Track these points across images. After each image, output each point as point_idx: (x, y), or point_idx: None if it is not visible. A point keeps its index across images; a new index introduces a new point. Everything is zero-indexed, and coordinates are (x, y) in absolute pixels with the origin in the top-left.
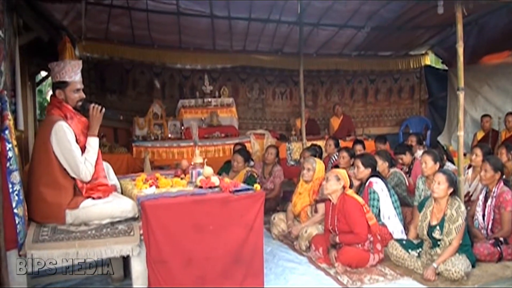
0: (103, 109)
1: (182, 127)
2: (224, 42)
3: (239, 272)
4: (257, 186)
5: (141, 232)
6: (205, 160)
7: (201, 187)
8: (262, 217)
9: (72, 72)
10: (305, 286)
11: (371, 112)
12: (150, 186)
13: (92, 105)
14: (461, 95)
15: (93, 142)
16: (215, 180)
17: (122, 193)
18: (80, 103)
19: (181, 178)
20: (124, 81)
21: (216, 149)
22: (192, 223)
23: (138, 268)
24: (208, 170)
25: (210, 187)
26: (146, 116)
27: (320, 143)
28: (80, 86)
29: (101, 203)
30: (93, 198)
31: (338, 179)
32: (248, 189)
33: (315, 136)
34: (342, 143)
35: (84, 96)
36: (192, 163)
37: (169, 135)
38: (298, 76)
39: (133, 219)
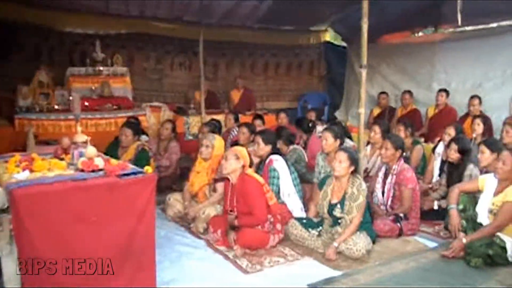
0: None
1: (71, 98)
2: (119, 6)
3: (127, 267)
4: (148, 168)
5: (11, 226)
6: (89, 138)
7: (82, 170)
8: (153, 203)
9: None
10: (202, 272)
11: (271, 86)
12: (23, 169)
13: None
14: (364, 73)
15: None
16: (99, 162)
17: None
18: None
19: (61, 159)
20: (7, 44)
21: (108, 123)
22: (71, 214)
23: (10, 269)
24: (91, 151)
25: (93, 171)
26: (31, 85)
27: (220, 117)
28: None
29: None
30: None
31: (238, 158)
32: (138, 172)
33: (215, 109)
34: (242, 118)
35: None
36: (74, 142)
37: (56, 107)
38: (198, 46)
39: (2, 211)
